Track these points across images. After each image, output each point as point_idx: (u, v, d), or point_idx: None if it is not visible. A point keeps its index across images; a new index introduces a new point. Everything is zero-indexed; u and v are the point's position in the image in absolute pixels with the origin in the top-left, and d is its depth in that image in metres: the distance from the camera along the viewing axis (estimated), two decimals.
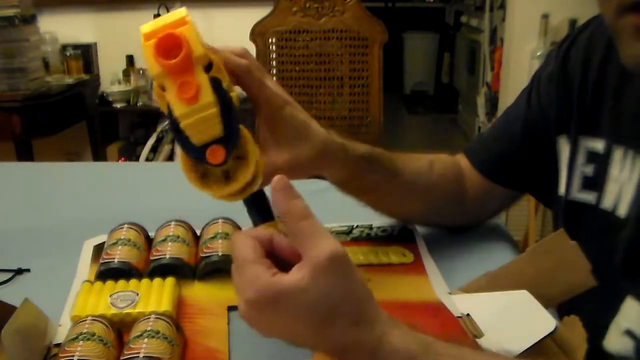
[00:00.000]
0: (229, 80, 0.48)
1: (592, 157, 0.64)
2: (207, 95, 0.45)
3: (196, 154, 0.47)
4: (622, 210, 0.59)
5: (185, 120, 0.45)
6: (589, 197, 0.63)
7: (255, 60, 0.55)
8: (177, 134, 0.46)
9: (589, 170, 0.64)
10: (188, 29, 0.45)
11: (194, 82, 0.44)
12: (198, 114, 0.44)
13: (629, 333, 0.57)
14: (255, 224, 0.56)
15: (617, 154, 0.60)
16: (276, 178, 0.44)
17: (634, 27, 0.48)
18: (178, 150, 2.87)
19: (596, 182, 0.62)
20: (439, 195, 0.73)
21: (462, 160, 0.78)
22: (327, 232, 0.43)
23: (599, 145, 0.63)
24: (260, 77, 0.54)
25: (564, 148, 0.67)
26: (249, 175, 0.48)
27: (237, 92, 0.51)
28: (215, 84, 0.46)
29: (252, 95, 0.55)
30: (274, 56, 1.82)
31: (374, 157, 0.66)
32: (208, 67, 0.46)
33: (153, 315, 0.53)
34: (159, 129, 2.68)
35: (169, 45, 0.44)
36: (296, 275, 0.41)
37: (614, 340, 0.59)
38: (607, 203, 0.61)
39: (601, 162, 0.62)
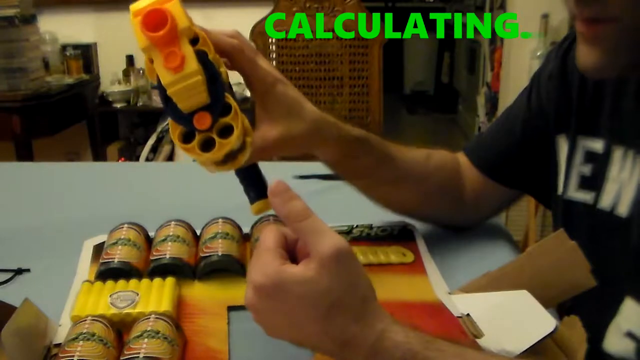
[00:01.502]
0: (215, 53, 0.51)
1: (591, 156, 0.64)
2: (192, 64, 0.47)
3: (184, 121, 0.49)
4: (622, 210, 0.59)
5: (172, 88, 0.47)
6: (586, 196, 0.63)
7: (246, 40, 0.57)
8: (166, 103, 0.49)
9: (587, 170, 0.64)
10: (173, 4, 0.48)
11: (179, 53, 0.47)
12: (184, 82, 0.47)
13: (630, 335, 0.57)
14: (251, 200, 0.58)
15: (617, 153, 0.60)
16: (274, 183, 0.45)
17: (579, 33, 0.52)
18: (178, 150, 2.87)
19: (594, 182, 0.62)
20: (435, 186, 0.73)
21: (461, 158, 0.78)
22: (329, 229, 0.44)
23: (597, 145, 0.63)
24: (252, 55, 0.56)
25: (562, 147, 0.67)
26: (235, 140, 0.50)
27: (226, 70, 0.53)
28: (201, 55, 0.48)
29: (245, 73, 0.56)
30: (274, 56, 1.82)
31: (368, 139, 0.66)
32: (194, 42, 0.49)
33: (153, 315, 0.53)
34: (159, 129, 2.68)
35: (156, 20, 0.46)
36: (303, 267, 0.43)
37: (614, 342, 0.59)
38: (604, 203, 0.61)
39: (600, 162, 0.62)
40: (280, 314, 0.44)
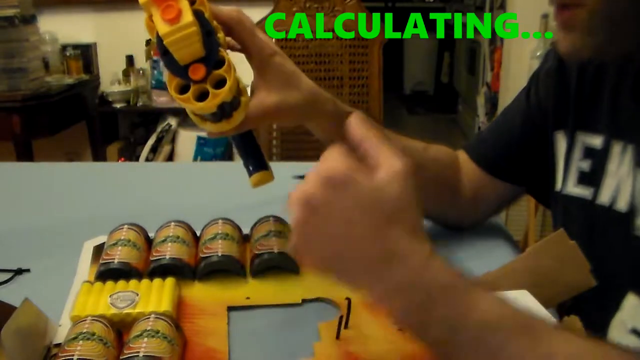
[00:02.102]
0: (211, 15, 0.54)
1: (589, 152, 0.64)
2: (188, 16, 0.50)
3: (180, 72, 0.52)
4: (622, 205, 0.59)
5: (169, 38, 0.50)
6: (584, 192, 0.64)
7: (246, 15, 0.59)
8: (164, 55, 0.51)
9: (586, 165, 0.64)
10: None
11: (176, 6, 0.50)
12: (180, 32, 0.50)
13: (635, 332, 0.57)
14: (250, 173, 0.61)
15: (616, 148, 0.60)
16: (353, 114, 0.48)
17: (555, 20, 0.57)
18: (178, 150, 2.86)
19: (593, 178, 0.63)
20: (432, 177, 0.73)
21: (461, 155, 0.78)
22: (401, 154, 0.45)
23: (596, 140, 0.63)
24: (250, 27, 0.59)
25: (561, 143, 0.68)
26: (227, 91, 0.52)
27: (224, 36, 0.56)
28: (198, 13, 0.52)
29: (244, 44, 0.59)
30: None
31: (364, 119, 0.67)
32: (192, 3, 0.52)
33: (153, 315, 0.53)
34: (159, 129, 2.68)
35: None
36: (373, 173, 0.43)
37: (618, 339, 0.59)
38: (603, 198, 0.61)
39: (599, 157, 0.62)
40: (337, 210, 0.42)
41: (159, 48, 0.51)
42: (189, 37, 0.50)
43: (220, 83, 0.52)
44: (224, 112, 0.54)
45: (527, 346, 0.40)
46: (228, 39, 0.58)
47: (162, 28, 0.50)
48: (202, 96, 0.52)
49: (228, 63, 0.52)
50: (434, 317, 0.41)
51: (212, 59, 0.52)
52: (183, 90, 0.53)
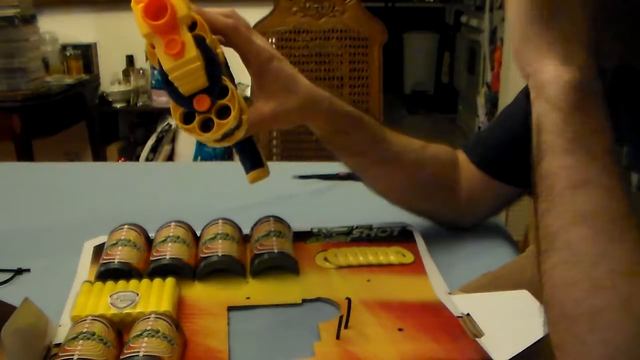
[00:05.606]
0: (212, 37, 0.53)
1: None
2: (191, 51, 0.50)
3: (185, 103, 0.52)
4: None
5: (173, 73, 0.50)
6: None
7: (242, 19, 0.59)
8: (168, 86, 0.51)
9: None
10: None
11: (179, 40, 0.50)
12: (184, 68, 0.50)
13: None
14: (247, 170, 0.62)
15: None
16: None
17: None
18: (178, 150, 2.86)
19: None
20: (430, 175, 0.73)
21: (459, 155, 0.78)
22: None
23: None
24: (247, 33, 0.58)
25: None
26: (232, 120, 0.52)
27: (222, 51, 0.55)
28: (199, 40, 0.51)
29: (241, 51, 0.59)
30: None
31: (361, 117, 0.68)
32: (192, 27, 0.52)
33: (153, 315, 0.53)
34: (158, 129, 2.68)
35: (156, 8, 0.49)
36: None
37: None
38: None
39: None
40: None
41: (163, 79, 0.52)
42: (193, 72, 0.50)
43: (224, 109, 0.53)
44: (226, 135, 0.55)
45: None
46: (219, 36, 0.58)
47: (167, 63, 0.50)
48: (206, 123, 0.53)
49: (231, 91, 0.53)
50: None
51: (216, 90, 0.52)
52: (187, 118, 0.53)
